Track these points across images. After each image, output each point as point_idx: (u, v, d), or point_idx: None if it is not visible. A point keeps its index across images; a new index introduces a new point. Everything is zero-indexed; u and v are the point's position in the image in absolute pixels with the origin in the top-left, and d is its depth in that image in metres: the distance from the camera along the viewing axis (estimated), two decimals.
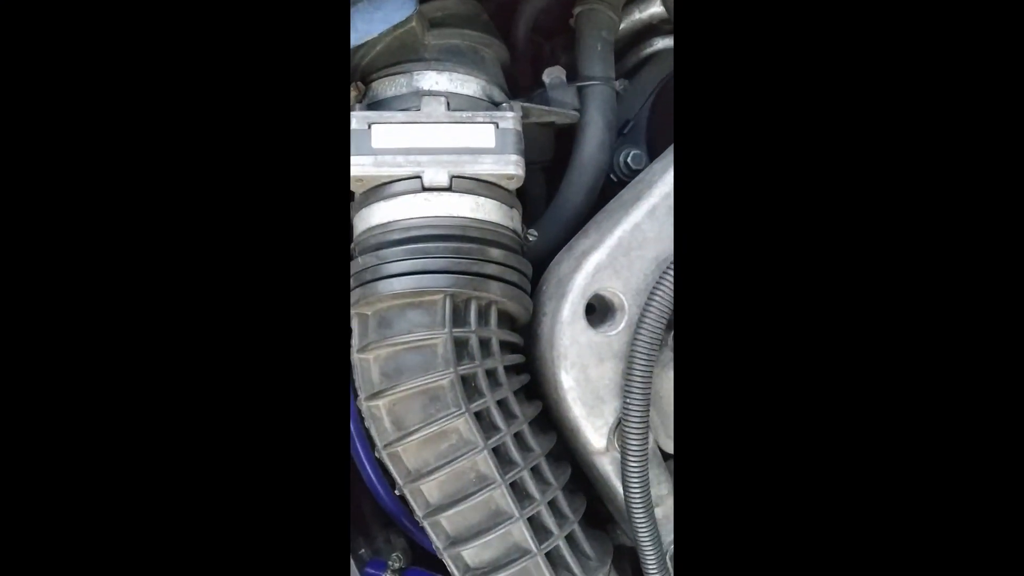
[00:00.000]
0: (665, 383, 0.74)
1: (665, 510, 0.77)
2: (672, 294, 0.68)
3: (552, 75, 0.87)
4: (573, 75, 0.90)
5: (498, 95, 0.79)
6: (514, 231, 0.77)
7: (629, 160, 0.97)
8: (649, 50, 1.02)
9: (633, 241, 0.73)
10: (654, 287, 0.69)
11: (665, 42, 1.01)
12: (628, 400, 0.69)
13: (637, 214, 0.73)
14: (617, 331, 0.73)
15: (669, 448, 0.77)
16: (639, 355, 0.68)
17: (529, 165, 0.98)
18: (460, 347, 0.69)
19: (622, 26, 1.01)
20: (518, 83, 0.95)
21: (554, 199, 0.90)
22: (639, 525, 0.72)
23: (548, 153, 0.94)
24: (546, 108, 0.83)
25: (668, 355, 0.74)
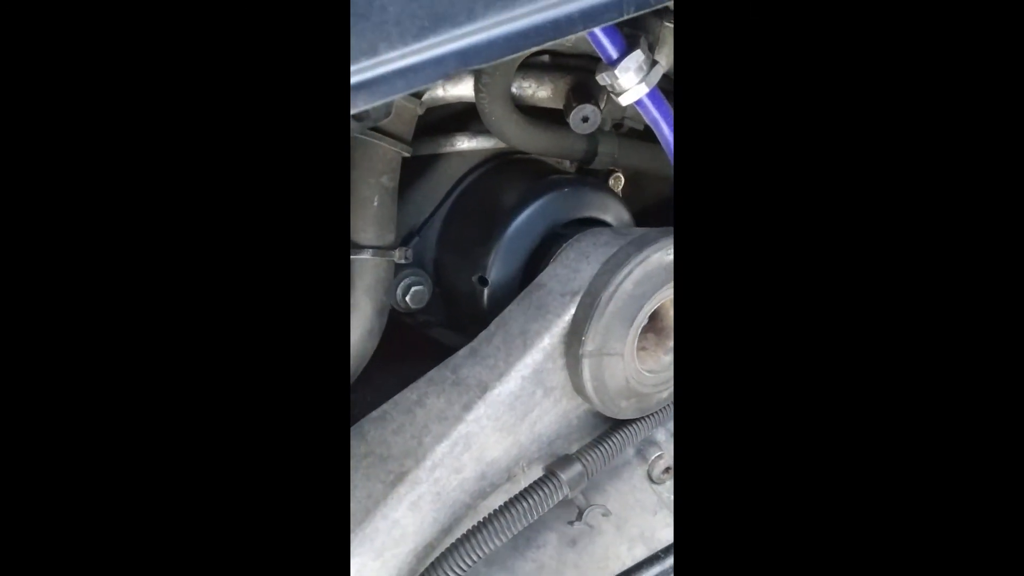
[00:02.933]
0: None
1: None
2: None
3: None
4: None
5: None
6: None
7: (408, 298, 0.80)
8: (449, 148, 0.79)
9: None
10: None
11: (470, 143, 0.79)
12: None
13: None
14: None
15: None
16: None
17: None
18: None
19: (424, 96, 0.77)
20: None
21: None
22: None
23: None
24: None
25: None
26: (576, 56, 0.79)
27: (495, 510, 0.64)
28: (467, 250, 0.77)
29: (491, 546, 0.62)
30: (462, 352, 0.69)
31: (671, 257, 0.64)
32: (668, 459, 0.75)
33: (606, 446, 0.69)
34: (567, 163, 0.87)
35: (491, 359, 0.67)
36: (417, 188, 0.81)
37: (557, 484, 0.65)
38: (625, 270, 0.61)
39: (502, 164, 0.82)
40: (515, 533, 0.63)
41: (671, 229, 0.66)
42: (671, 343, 0.70)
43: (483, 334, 0.69)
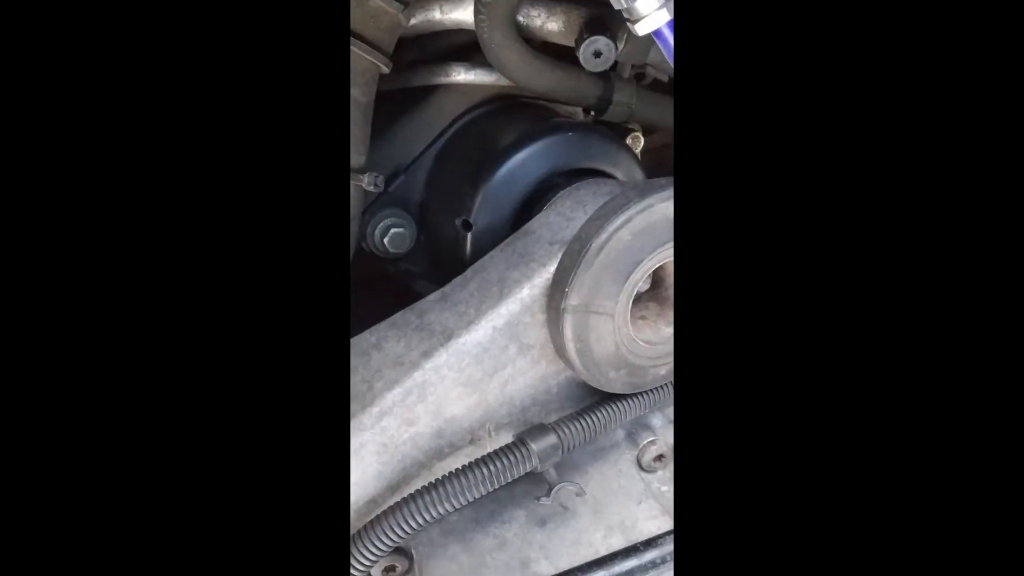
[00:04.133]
0: None
1: None
2: None
3: None
4: None
5: None
6: None
7: (387, 241, 0.73)
8: (444, 79, 0.72)
9: None
10: None
11: (467, 75, 0.72)
12: None
13: None
14: None
15: None
16: None
17: None
18: None
19: (414, 21, 0.69)
20: None
21: None
22: None
23: None
24: None
25: None
26: None
27: (451, 472, 0.56)
28: (454, 191, 0.70)
29: (440, 510, 0.54)
30: (432, 296, 0.62)
31: None
32: (662, 447, 0.67)
33: (588, 420, 0.60)
34: (580, 112, 0.80)
35: (462, 305, 0.59)
36: (406, 123, 0.73)
37: (526, 453, 0.57)
38: (623, 216, 0.53)
39: (506, 106, 0.75)
40: (470, 500, 0.55)
41: None
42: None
43: (457, 279, 0.62)
